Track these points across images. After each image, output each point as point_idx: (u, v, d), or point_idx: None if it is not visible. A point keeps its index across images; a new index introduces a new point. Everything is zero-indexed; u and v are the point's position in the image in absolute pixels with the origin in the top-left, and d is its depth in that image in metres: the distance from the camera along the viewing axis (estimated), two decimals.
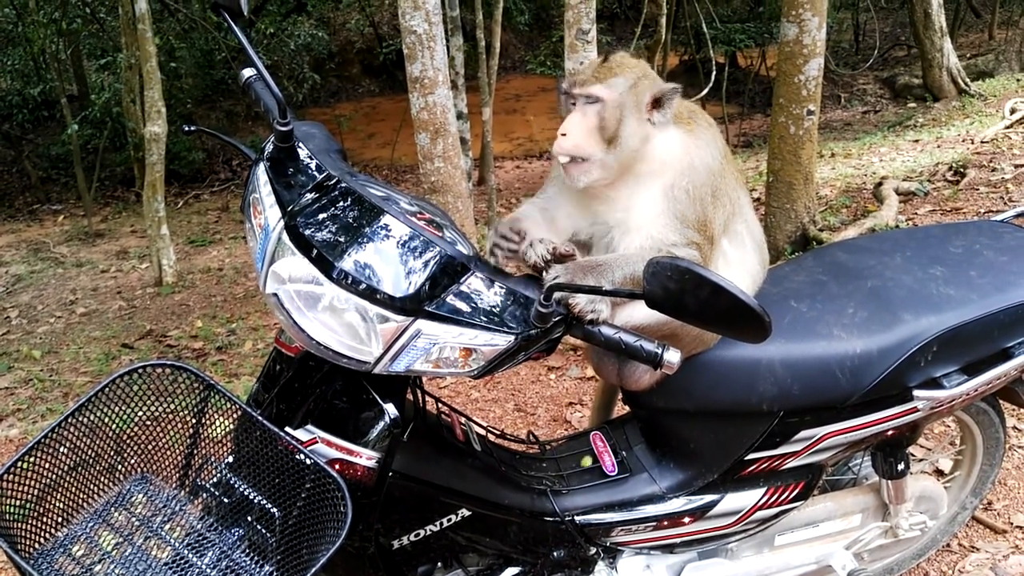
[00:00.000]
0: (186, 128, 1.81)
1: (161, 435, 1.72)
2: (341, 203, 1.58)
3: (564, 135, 1.80)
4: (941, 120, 10.03)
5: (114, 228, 10.74)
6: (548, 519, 1.99)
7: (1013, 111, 8.58)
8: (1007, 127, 8.20)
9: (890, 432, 2.06)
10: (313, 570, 1.46)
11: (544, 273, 1.69)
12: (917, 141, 8.87)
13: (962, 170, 6.74)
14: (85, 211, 10.84)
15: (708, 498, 2.04)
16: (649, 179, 1.85)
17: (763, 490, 2.05)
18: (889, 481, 2.26)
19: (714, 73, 10.62)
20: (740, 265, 1.95)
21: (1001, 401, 2.46)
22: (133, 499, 1.68)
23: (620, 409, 2.54)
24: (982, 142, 7.85)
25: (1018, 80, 10.77)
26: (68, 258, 9.20)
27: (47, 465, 1.60)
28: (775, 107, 5.22)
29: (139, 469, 1.72)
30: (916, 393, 1.96)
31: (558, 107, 1.94)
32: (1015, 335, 2.04)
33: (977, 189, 6.22)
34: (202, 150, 13.13)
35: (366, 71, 17.96)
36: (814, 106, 5.07)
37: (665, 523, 2.05)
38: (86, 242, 9.98)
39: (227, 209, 11.46)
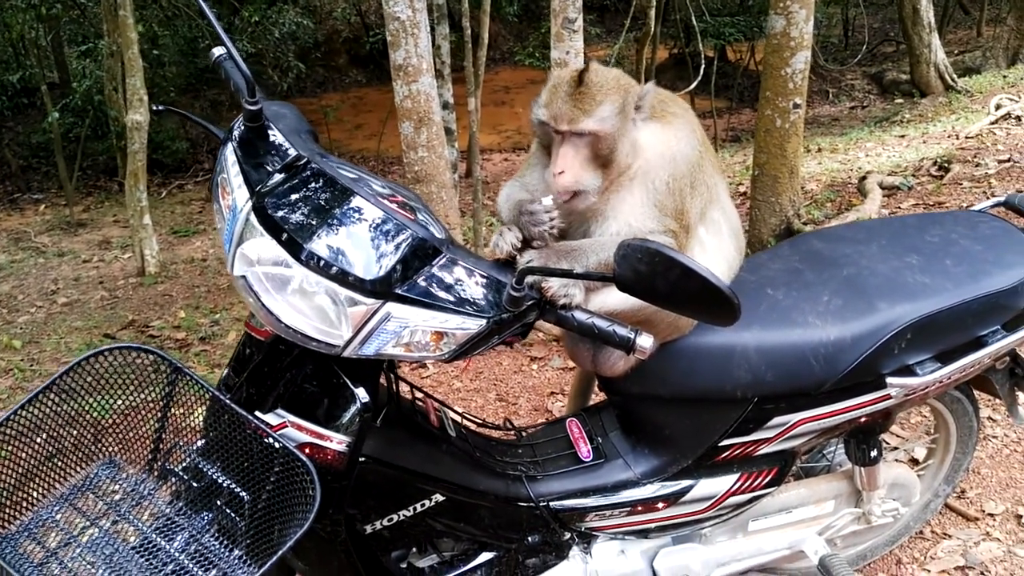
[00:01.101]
0: (155, 108, 1.79)
1: (130, 419, 1.71)
2: (311, 184, 1.56)
3: (562, 173, 1.76)
4: (927, 116, 10.05)
5: (96, 218, 10.67)
6: (523, 504, 1.99)
7: (998, 107, 8.59)
8: (992, 123, 8.21)
9: (863, 419, 2.07)
10: (280, 552, 1.46)
11: (518, 257, 1.69)
12: (903, 136, 8.89)
13: (946, 165, 6.76)
14: (67, 200, 10.76)
15: (682, 484, 2.04)
16: (629, 173, 1.84)
17: (737, 476, 2.06)
18: (862, 468, 2.27)
19: (703, 67, 10.61)
20: (717, 252, 1.95)
21: (975, 391, 2.47)
22: (101, 483, 1.66)
23: (598, 397, 2.55)
24: (967, 138, 7.87)
25: (1004, 76, 10.80)
26: (50, 248, 9.14)
27: (10, 449, 1.59)
28: (762, 100, 5.22)
29: (107, 453, 1.70)
30: (889, 380, 1.97)
31: (532, 131, 1.90)
32: (988, 323, 2.05)
33: (961, 184, 6.25)
34: (186, 139, 13.04)
35: (353, 61, 17.87)
36: (800, 99, 5.07)
37: (639, 508, 2.05)
38: (68, 232, 9.91)
39: (211, 199, 11.38)
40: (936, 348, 2.01)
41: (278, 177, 1.57)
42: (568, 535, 2.06)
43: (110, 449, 1.71)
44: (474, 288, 1.55)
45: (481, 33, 8.12)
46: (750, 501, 2.12)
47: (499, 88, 16.55)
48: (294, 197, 1.54)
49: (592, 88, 1.75)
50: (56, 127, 10.42)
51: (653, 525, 2.09)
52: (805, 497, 2.31)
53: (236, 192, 1.56)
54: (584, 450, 2.11)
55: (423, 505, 1.86)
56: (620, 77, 1.83)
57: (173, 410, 1.70)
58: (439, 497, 1.87)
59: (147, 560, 1.55)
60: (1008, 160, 6.65)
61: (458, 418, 2.11)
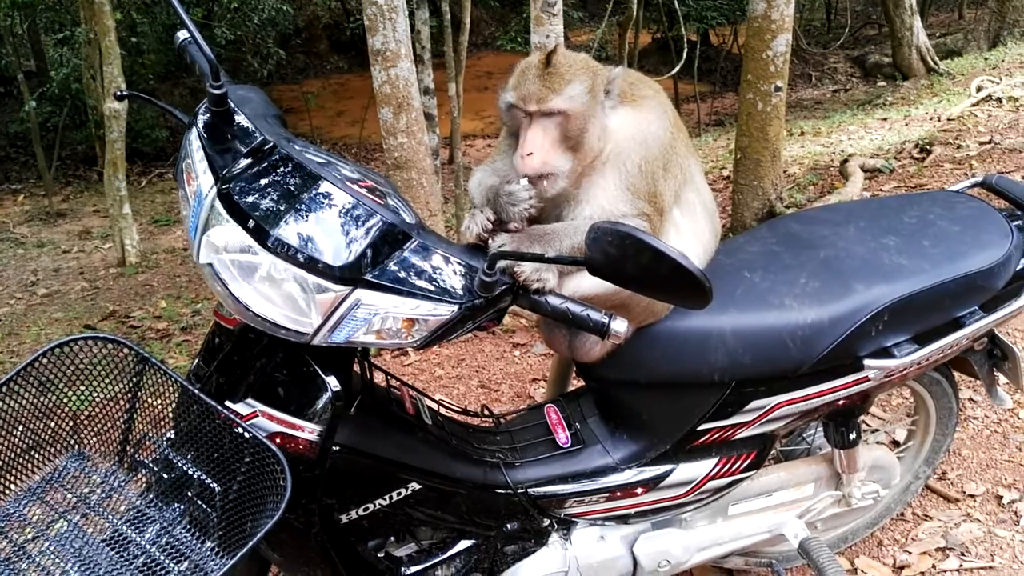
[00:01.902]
0: (117, 94, 1.75)
1: (99, 411, 1.68)
2: (278, 169, 1.53)
3: (530, 154, 1.73)
4: (909, 99, 10.08)
5: (76, 208, 10.58)
6: (501, 492, 1.98)
7: (979, 89, 8.63)
8: (973, 105, 8.25)
9: (841, 401, 2.06)
10: (251, 543, 1.44)
11: (490, 241, 1.67)
12: (885, 119, 8.91)
13: (928, 147, 6.78)
14: (46, 190, 10.66)
15: (661, 469, 2.03)
16: (601, 158, 1.82)
17: (716, 460, 2.05)
18: (841, 451, 2.27)
19: (686, 51, 10.57)
20: (691, 234, 1.93)
21: (955, 372, 2.48)
22: (70, 476, 1.64)
23: (578, 383, 2.53)
24: (948, 120, 7.90)
25: (986, 59, 10.84)
26: (29, 238, 9.05)
27: None
28: (743, 84, 5.20)
29: (75, 445, 1.68)
30: (867, 362, 1.96)
31: (501, 118, 1.87)
32: (966, 304, 2.05)
33: (942, 166, 6.27)
34: (165, 128, 12.92)
35: (334, 47, 17.75)
36: (782, 82, 5.05)
37: (618, 494, 2.04)
38: (47, 222, 9.82)
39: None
40: (914, 330, 2.00)
41: (244, 162, 1.54)
42: (547, 522, 2.05)
43: (80, 441, 1.68)
44: (446, 273, 1.53)
45: (462, 18, 8.06)
46: (730, 485, 2.11)
47: (481, 73, 16.47)
48: (261, 182, 1.51)
49: (560, 68, 1.73)
50: (34, 116, 10.30)
51: (633, 510, 2.08)
52: (785, 480, 2.30)
53: (201, 178, 1.53)
54: (562, 436, 2.09)
55: (399, 494, 1.84)
56: (588, 60, 1.81)
57: (146, 401, 1.67)
58: (416, 485, 1.85)
59: (117, 553, 1.53)
60: (989, 142, 6.68)
61: (435, 406, 2.10)
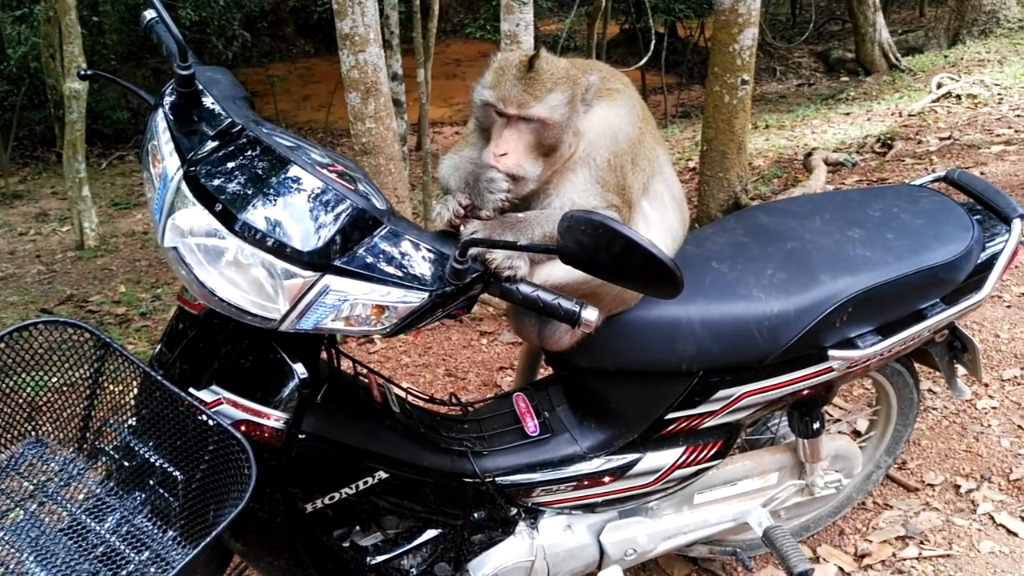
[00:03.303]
0: (81, 73, 1.71)
1: (59, 397, 1.64)
2: (246, 153, 1.51)
3: (504, 155, 1.71)
4: (872, 94, 10.21)
5: (33, 189, 10.35)
6: (468, 480, 1.97)
7: (940, 86, 8.77)
8: (934, 101, 8.39)
9: (806, 391, 2.09)
10: (215, 533, 1.41)
11: (461, 229, 1.65)
12: (848, 114, 9.03)
13: (890, 142, 6.89)
14: (2, 171, 10.41)
15: (628, 457, 2.04)
16: (573, 159, 1.81)
17: (682, 449, 2.06)
18: (805, 440, 2.29)
19: (654, 43, 10.61)
20: (660, 224, 1.94)
21: (916, 363, 2.51)
22: (27, 464, 1.60)
23: (546, 372, 2.53)
24: (910, 116, 8.03)
25: (946, 56, 11.02)
26: None
27: None
28: (710, 76, 5.22)
29: (34, 432, 1.64)
30: (831, 353, 1.98)
31: (473, 111, 1.84)
32: (928, 297, 2.08)
33: (903, 160, 6.36)
34: (127, 109, 12.67)
35: (301, 30, 17.53)
36: (748, 76, 5.08)
37: (586, 483, 2.04)
38: (3, 204, 9.60)
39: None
40: (877, 321, 2.03)
41: (211, 144, 1.51)
42: (514, 511, 2.04)
43: (37, 428, 1.64)
44: (416, 260, 1.52)
45: (431, 4, 7.99)
46: (696, 474, 2.13)
47: (450, 61, 16.38)
48: (228, 165, 1.49)
49: (543, 75, 1.71)
50: None
51: (600, 499, 2.08)
52: (750, 469, 2.33)
53: (167, 160, 1.50)
54: (531, 425, 2.09)
55: (366, 482, 1.83)
56: (569, 68, 1.78)
57: (108, 387, 1.64)
58: (382, 474, 1.84)
59: (76, 542, 1.50)
60: (949, 138, 6.80)
61: (402, 393, 2.08)
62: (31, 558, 1.46)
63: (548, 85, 1.71)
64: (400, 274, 1.49)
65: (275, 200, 1.45)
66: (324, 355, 1.82)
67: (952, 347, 2.43)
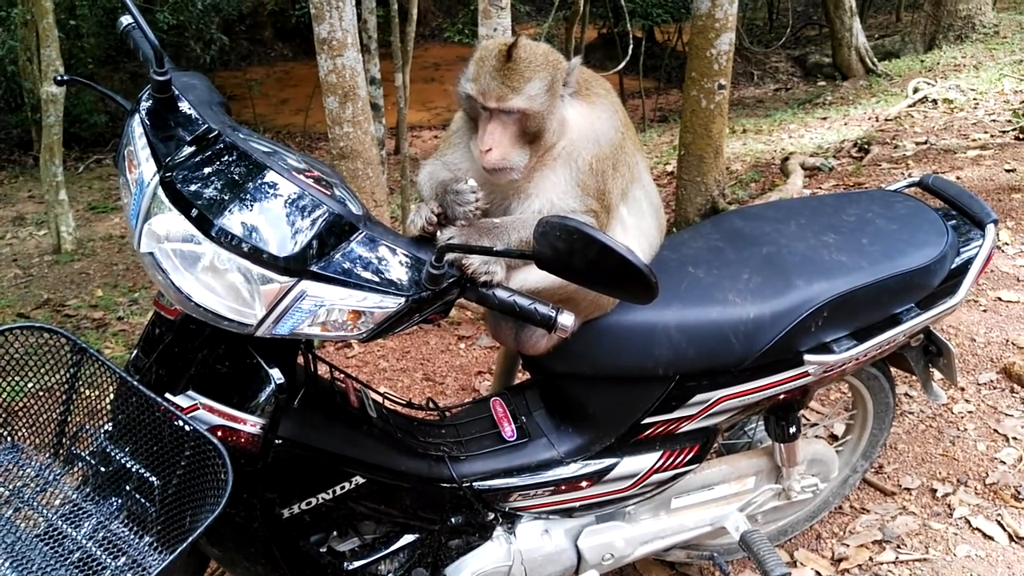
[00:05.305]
0: (58, 78, 1.71)
1: (35, 402, 1.63)
2: (223, 158, 1.51)
3: (489, 150, 1.74)
4: (848, 99, 10.30)
5: (10, 193, 10.23)
6: (445, 485, 1.97)
7: (916, 91, 8.87)
8: (910, 106, 8.48)
9: (782, 396, 2.11)
10: (191, 539, 1.41)
11: (438, 234, 1.66)
12: (825, 119, 9.10)
13: (866, 147, 6.95)
14: None
15: (605, 462, 2.05)
16: (554, 152, 1.83)
17: (659, 454, 2.07)
18: (781, 444, 2.31)
19: (631, 47, 10.64)
20: (637, 230, 1.95)
21: (892, 368, 2.54)
22: (2, 469, 1.59)
23: (524, 376, 2.54)
24: (886, 120, 8.11)
25: (922, 61, 11.12)
26: None
27: None
28: (687, 81, 5.27)
29: (9, 438, 1.62)
30: (807, 358, 2.00)
31: (460, 103, 1.86)
32: (903, 301, 2.10)
33: (879, 165, 6.42)
34: (105, 112, 12.55)
35: (279, 34, 17.46)
36: (725, 80, 5.13)
37: (563, 488, 2.05)
38: None
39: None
40: (852, 326, 2.05)
41: (188, 150, 1.51)
42: (492, 516, 2.05)
43: (12, 433, 1.63)
44: (393, 266, 1.52)
45: (409, 8, 7.97)
46: (673, 478, 2.14)
47: (428, 65, 16.34)
48: (205, 171, 1.49)
49: (521, 64, 1.73)
50: None
51: (577, 504, 2.09)
52: (726, 474, 2.34)
53: (143, 165, 1.50)
54: (508, 430, 2.10)
55: (343, 488, 1.83)
56: (549, 53, 1.80)
57: (84, 392, 1.63)
58: (359, 479, 1.84)
59: (51, 548, 1.50)
60: (925, 142, 6.87)
61: (379, 398, 2.08)
62: (6, 564, 1.45)
63: (527, 74, 1.72)
64: (377, 279, 1.49)
65: (251, 205, 1.45)
66: (301, 360, 1.82)
67: (928, 351, 2.46)
